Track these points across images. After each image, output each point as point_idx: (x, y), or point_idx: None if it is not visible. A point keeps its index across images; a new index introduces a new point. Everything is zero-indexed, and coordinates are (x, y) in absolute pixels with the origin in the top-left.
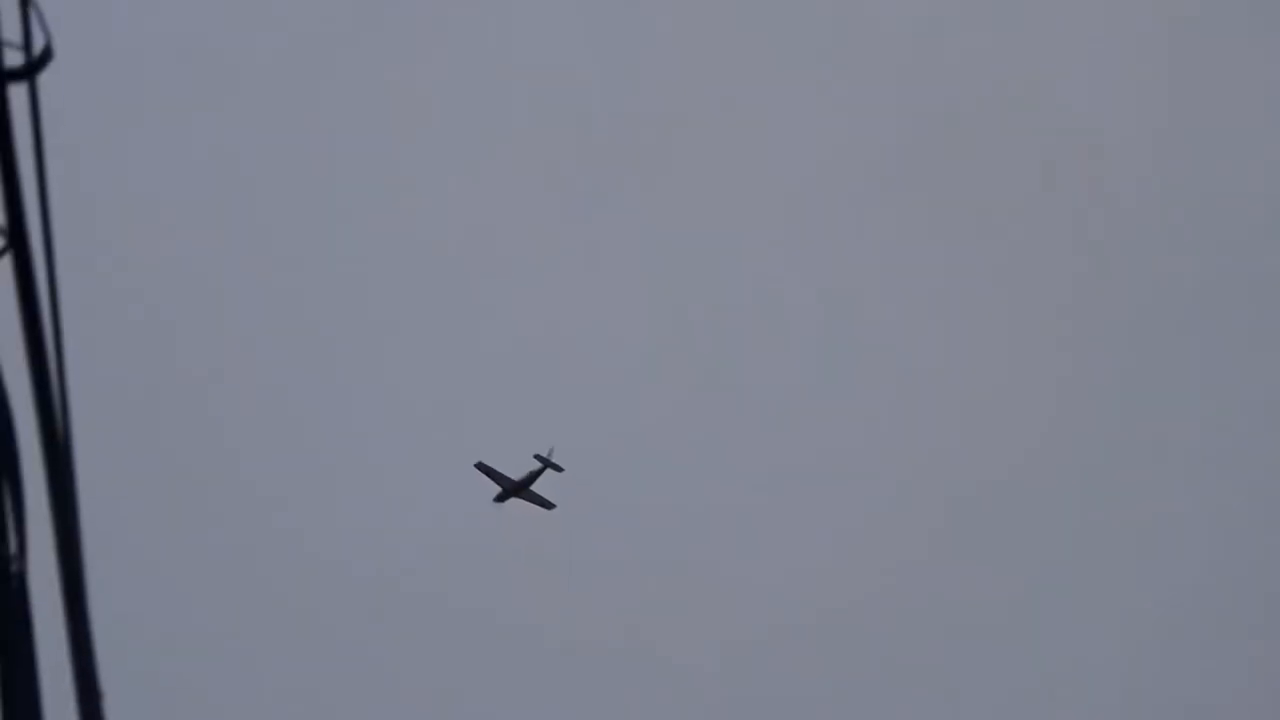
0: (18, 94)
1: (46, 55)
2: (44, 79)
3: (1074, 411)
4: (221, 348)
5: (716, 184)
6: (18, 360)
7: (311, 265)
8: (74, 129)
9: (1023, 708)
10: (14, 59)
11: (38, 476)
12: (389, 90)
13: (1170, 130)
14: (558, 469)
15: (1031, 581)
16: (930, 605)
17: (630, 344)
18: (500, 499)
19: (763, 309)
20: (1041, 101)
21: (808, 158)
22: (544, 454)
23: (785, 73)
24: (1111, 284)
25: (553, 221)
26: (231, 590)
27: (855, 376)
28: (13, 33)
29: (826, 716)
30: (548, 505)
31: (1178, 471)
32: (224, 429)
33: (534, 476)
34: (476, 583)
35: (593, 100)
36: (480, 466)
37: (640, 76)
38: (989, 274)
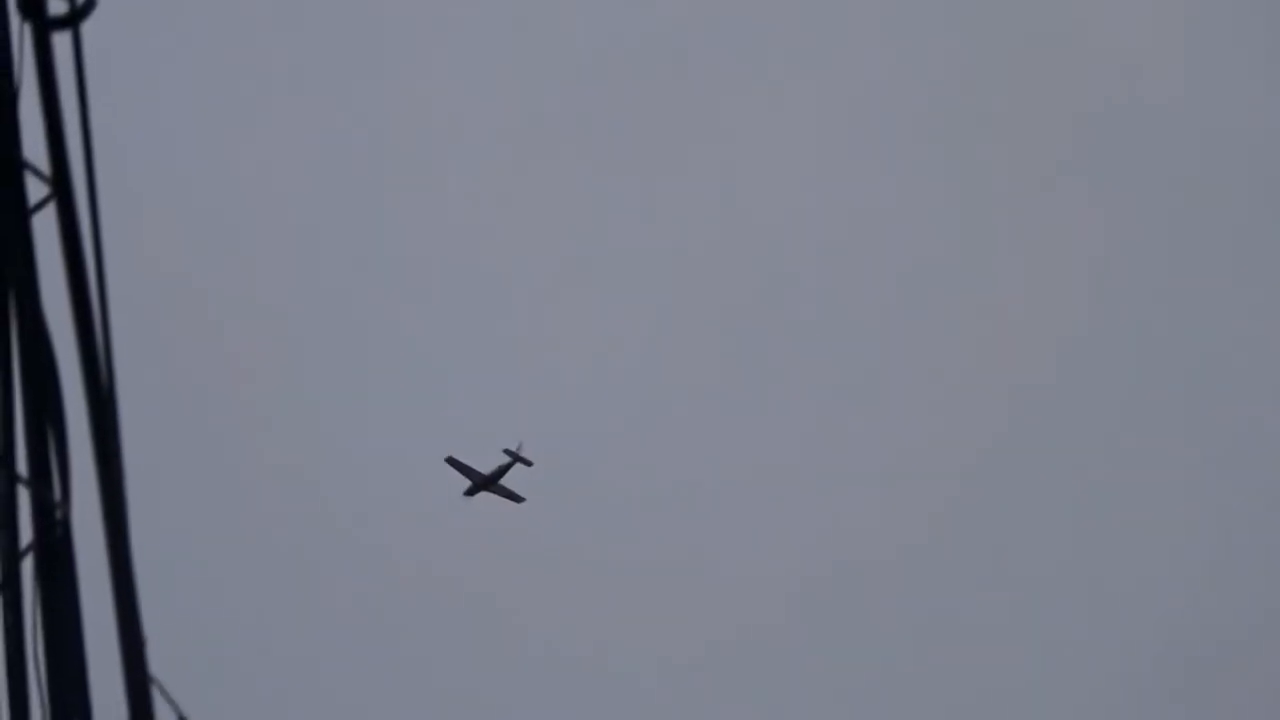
0: (61, 42)
1: (90, 3)
2: (87, 27)
3: (1091, 394)
4: (245, 311)
5: (712, 177)
6: (62, 309)
7: (297, 249)
8: (117, 76)
9: (1018, 706)
10: (58, 7)
11: (82, 425)
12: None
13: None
14: (527, 463)
15: (1031, 576)
16: (926, 599)
17: (612, 337)
18: (470, 493)
19: (757, 299)
20: (1078, 54)
21: (818, 128)
22: (514, 449)
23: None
24: (1143, 251)
25: (535, 211)
26: (261, 547)
27: (853, 368)
28: None
29: (819, 715)
30: (517, 499)
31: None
32: (250, 389)
33: (503, 471)
34: (456, 574)
35: (595, 59)
36: (450, 461)
37: (660, 23)
38: (1006, 262)
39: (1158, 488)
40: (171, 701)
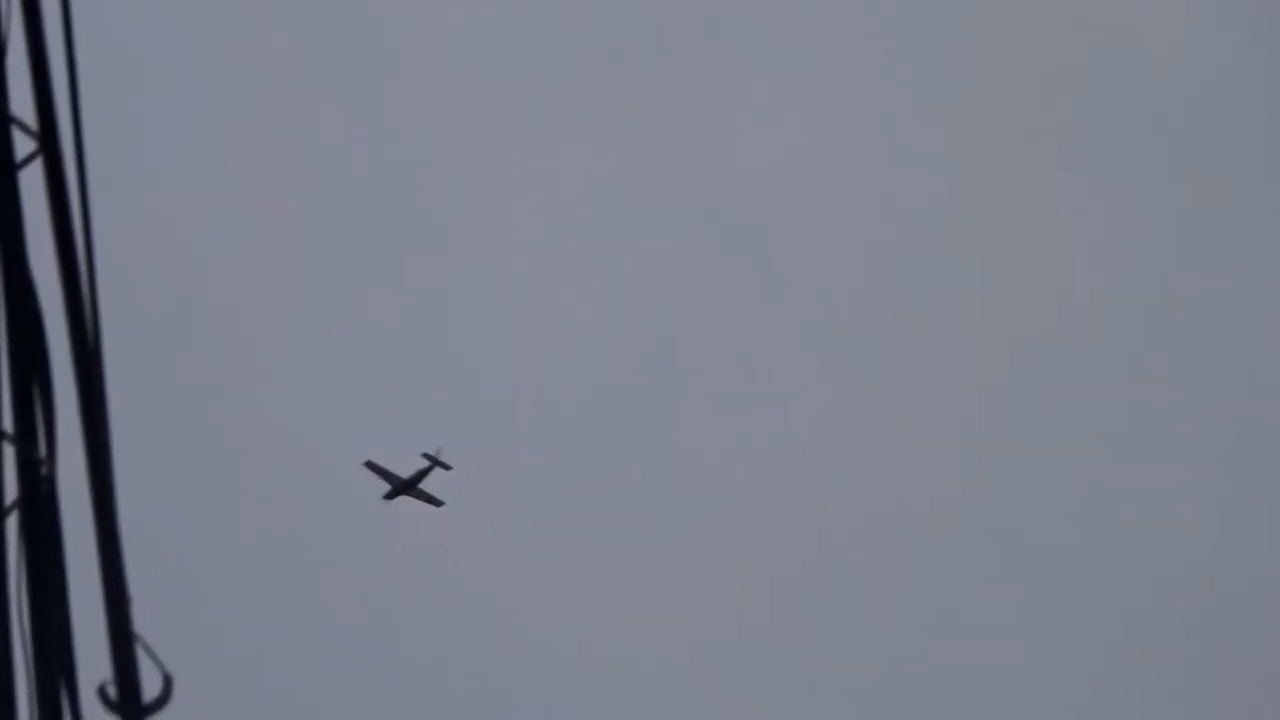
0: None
1: None
2: None
3: (1092, 368)
4: (245, 262)
5: (693, 160)
6: (49, 264)
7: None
8: (106, 32)
9: (1016, 698)
10: None
11: (68, 381)
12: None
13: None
14: (446, 467)
15: (1031, 566)
16: (922, 591)
17: (600, 328)
18: (389, 496)
19: (740, 283)
20: (1076, 19)
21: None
22: (432, 453)
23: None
24: (1146, 208)
25: (490, 196)
26: (247, 495)
27: (845, 355)
28: None
29: (817, 712)
30: (436, 503)
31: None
32: (244, 338)
33: (422, 475)
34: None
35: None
36: (369, 465)
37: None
38: (1012, 233)
39: (1160, 465)
40: (156, 659)
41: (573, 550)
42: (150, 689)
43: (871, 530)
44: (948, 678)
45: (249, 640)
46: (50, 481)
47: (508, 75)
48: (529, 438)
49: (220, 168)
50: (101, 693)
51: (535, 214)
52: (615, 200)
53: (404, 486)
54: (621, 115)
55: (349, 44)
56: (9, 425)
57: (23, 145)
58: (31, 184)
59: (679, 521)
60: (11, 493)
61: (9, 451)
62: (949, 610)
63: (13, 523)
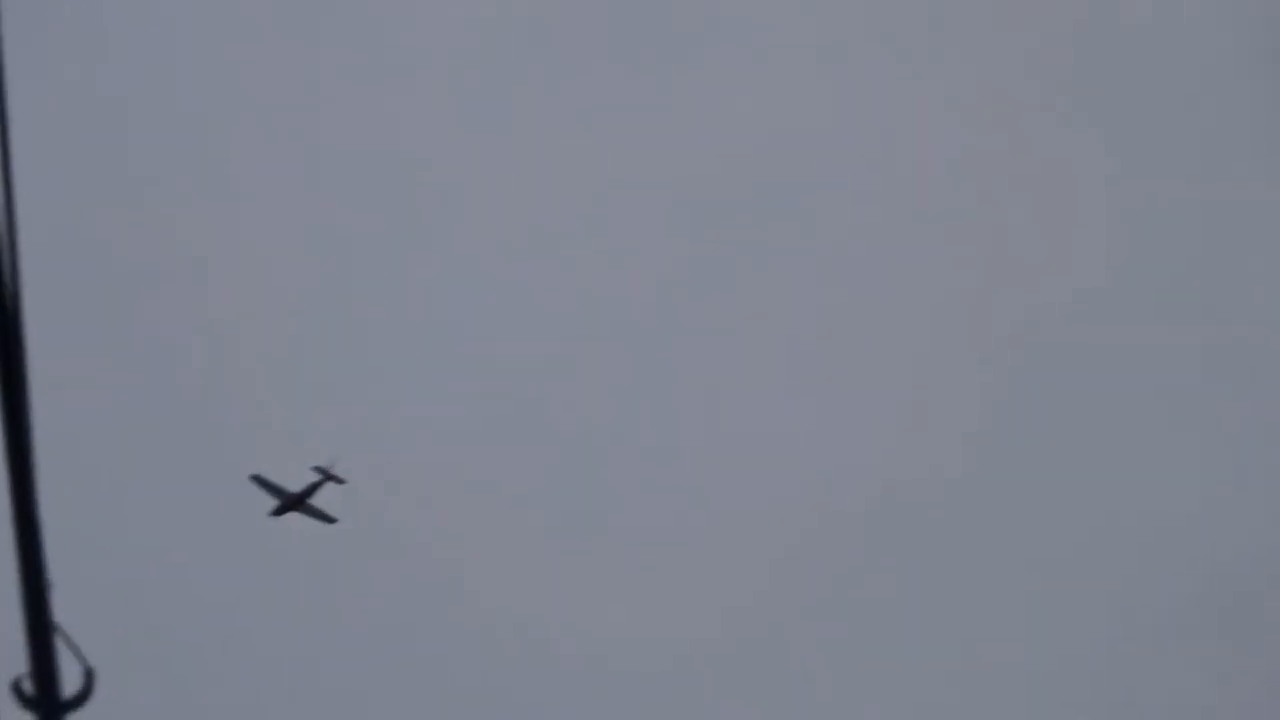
0: None
1: None
2: None
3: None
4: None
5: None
6: None
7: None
8: (104, 30)
9: (1008, 706)
10: None
11: None
12: None
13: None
14: (340, 481)
15: (1034, 542)
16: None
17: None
18: (278, 512)
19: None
20: None
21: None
22: (324, 465)
23: None
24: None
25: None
26: (185, 474)
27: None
28: None
29: (816, 706)
30: (329, 520)
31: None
32: (188, 309)
33: (314, 489)
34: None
35: None
36: (256, 479)
37: None
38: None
39: (1163, 462)
40: (77, 651)
41: (572, 549)
42: (70, 683)
43: (871, 528)
44: (946, 677)
45: (195, 635)
46: None
47: (482, 57)
48: (527, 435)
49: (219, 166)
50: (16, 687)
51: (525, 206)
52: (602, 186)
53: (293, 502)
54: (605, 102)
55: (349, 44)
56: None
57: None
58: None
59: (680, 520)
60: None
61: None
62: (948, 608)
63: None
